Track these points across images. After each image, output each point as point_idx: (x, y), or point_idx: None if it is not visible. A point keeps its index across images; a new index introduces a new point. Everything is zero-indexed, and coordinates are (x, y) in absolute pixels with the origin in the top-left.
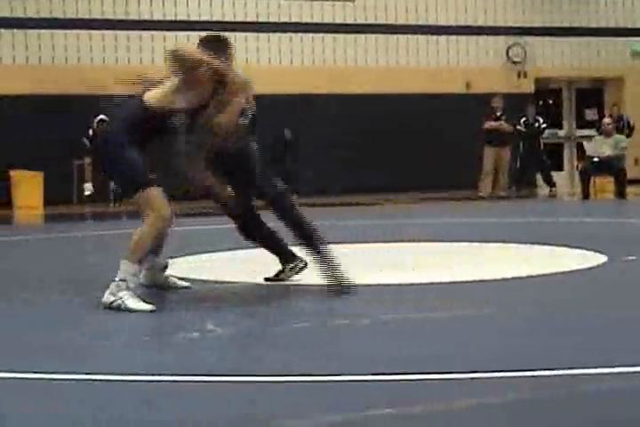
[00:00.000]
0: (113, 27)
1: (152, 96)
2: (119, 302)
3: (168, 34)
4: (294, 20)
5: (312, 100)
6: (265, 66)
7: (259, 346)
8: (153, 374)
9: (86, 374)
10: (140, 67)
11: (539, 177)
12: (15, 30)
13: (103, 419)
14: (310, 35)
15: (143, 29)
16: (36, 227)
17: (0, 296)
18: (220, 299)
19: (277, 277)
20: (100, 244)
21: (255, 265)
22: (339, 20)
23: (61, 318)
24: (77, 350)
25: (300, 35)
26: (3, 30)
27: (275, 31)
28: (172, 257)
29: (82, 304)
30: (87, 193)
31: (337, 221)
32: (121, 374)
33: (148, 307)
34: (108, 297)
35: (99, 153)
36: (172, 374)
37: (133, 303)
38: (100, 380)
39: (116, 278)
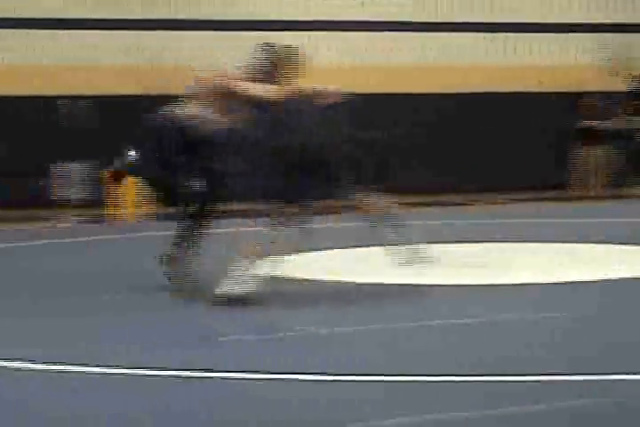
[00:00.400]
0: None
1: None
2: (237, 290)
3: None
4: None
5: (399, 99)
6: (353, 64)
7: (359, 345)
8: (250, 371)
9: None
10: None
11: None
12: None
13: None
14: (407, 33)
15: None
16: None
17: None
18: (319, 297)
19: None
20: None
21: (355, 264)
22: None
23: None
24: (181, 346)
25: (395, 33)
26: None
27: (366, 30)
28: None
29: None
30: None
31: (428, 221)
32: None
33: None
34: (224, 289)
35: None
36: (268, 373)
37: (243, 293)
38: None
39: (235, 272)
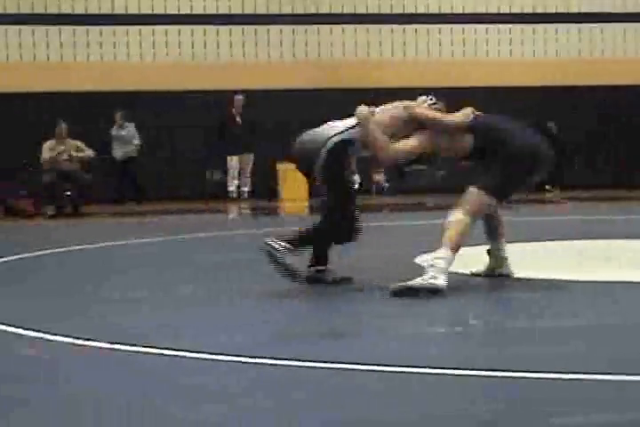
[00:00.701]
0: None
1: None
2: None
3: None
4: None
5: (574, 91)
6: (523, 58)
7: (516, 341)
8: (415, 366)
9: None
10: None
11: None
12: None
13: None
14: (573, 25)
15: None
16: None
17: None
18: (482, 292)
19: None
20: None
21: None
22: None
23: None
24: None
25: (562, 25)
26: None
27: (529, 22)
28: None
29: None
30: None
31: (609, 216)
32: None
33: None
34: (413, 281)
35: None
36: (431, 367)
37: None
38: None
39: (425, 264)
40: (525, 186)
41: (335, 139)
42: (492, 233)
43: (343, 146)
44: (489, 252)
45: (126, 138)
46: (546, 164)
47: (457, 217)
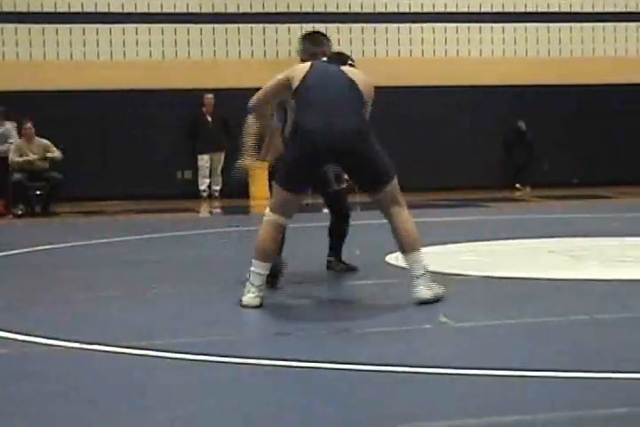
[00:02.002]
0: None
1: None
2: (437, 291)
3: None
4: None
5: (545, 91)
6: (492, 57)
7: (494, 339)
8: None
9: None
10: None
11: None
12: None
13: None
14: (545, 24)
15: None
16: None
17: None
18: (453, 291)
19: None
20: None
21: (484, 258)
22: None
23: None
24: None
25: (531, 24)
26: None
27: (504, 22)
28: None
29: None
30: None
31: (575, 215)
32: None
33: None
34: (425, 292)
35: (354, 143)
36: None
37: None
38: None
39: (421, 271)
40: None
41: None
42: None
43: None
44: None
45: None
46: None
47: (408, 216)
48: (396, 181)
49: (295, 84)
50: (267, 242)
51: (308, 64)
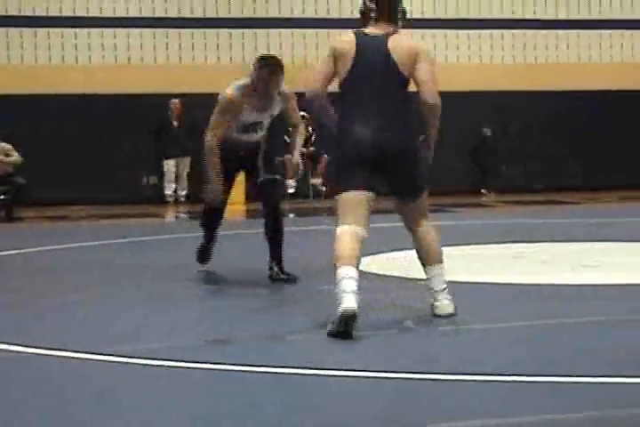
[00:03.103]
0: None
1: None
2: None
3: None
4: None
5: (511, 96)
6: (463, 63)
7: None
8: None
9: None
10: None
11: None
12: None
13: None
14: (512, 31)
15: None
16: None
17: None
18: (416, 296)
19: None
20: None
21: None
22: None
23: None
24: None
25: (501, 31)
26: None
27: (472, 28)
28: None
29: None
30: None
31: (540, 220)
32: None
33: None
34: (449, 306)
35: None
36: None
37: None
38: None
39: (443, 286)
40: None
41: None
42: None
43: None
44: None
45: None
46: None
47: (432, 228)
48: (427, 193)
49: (342, 69)
50: (344, 244)
51: (352, 39)
